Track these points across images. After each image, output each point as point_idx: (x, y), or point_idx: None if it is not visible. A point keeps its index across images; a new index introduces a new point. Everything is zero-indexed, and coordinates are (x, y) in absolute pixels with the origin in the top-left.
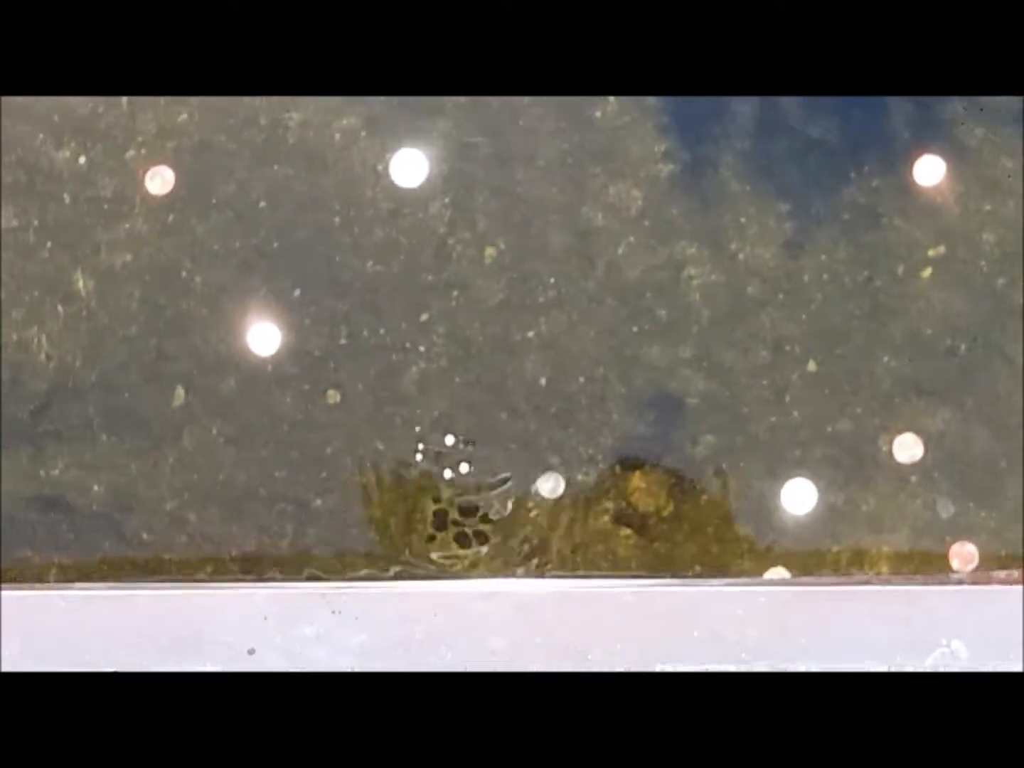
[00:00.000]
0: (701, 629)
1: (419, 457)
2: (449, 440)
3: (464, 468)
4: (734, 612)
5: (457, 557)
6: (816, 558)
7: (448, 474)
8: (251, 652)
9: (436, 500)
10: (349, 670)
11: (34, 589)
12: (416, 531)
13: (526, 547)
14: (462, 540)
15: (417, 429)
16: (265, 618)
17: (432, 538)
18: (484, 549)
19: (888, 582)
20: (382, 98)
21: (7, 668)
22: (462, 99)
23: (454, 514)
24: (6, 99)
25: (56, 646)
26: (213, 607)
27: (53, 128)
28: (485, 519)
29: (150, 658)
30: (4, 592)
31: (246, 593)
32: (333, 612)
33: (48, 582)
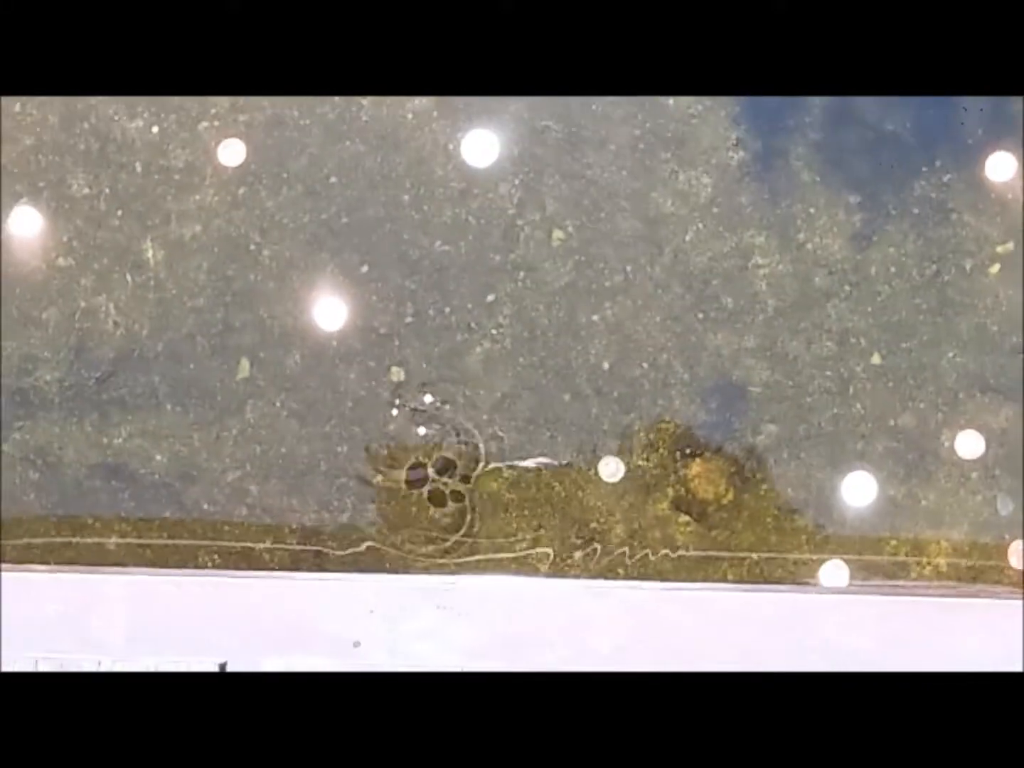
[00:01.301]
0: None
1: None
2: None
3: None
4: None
5: (510, 542)
6: (874, 550)
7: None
8: (356, 645)
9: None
10: (455, 668)
11: (144, 574)
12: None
13: (584, 531)
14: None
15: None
16: (371, 612)
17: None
18: (529, 532)
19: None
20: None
21: (107, 659)
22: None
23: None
24: None
25: (164, 635)
26: (320, 598)
27: (127, 98)
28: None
29: (259, 648)
30: (105, 575)
31: (353, 585)
32: (438, 607)
33: (108, 549)
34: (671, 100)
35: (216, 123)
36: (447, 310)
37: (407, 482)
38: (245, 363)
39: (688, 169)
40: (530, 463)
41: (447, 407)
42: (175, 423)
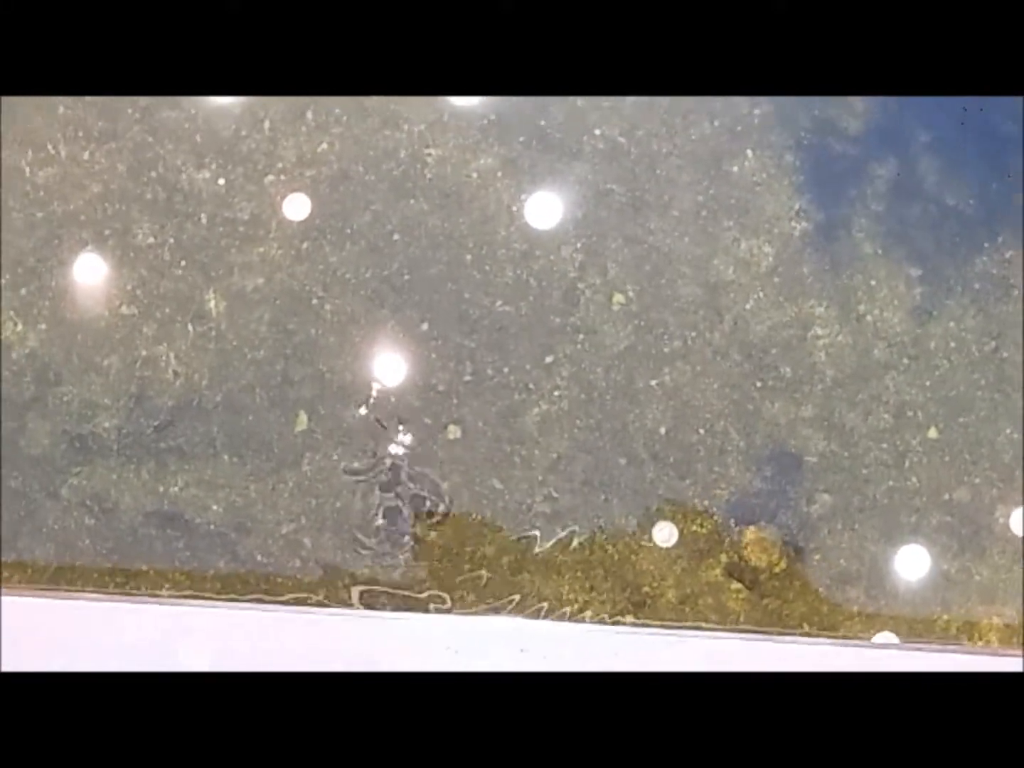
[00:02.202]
0: None
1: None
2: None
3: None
4: None
5: (569, 600)
6: (925, 624)
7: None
8: None
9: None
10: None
11: (224, 604)
12: (525, 568)
13: (636, 595)
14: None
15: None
16: (456, 652)
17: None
18: (581, 594)
19: None
20: (521, 140)
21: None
22: (600, 145)
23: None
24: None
25: (237, 661)
26: (398, 634)
27: (195, 148)
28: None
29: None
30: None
31: (433, 622)
32: (521, 651)
33: (159, 596)
34: (735, 167)
35: (282, 177)
36: (505, 370)
37: None
38: (303, 416)
39: (750, 237)
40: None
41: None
42: (232, 473)
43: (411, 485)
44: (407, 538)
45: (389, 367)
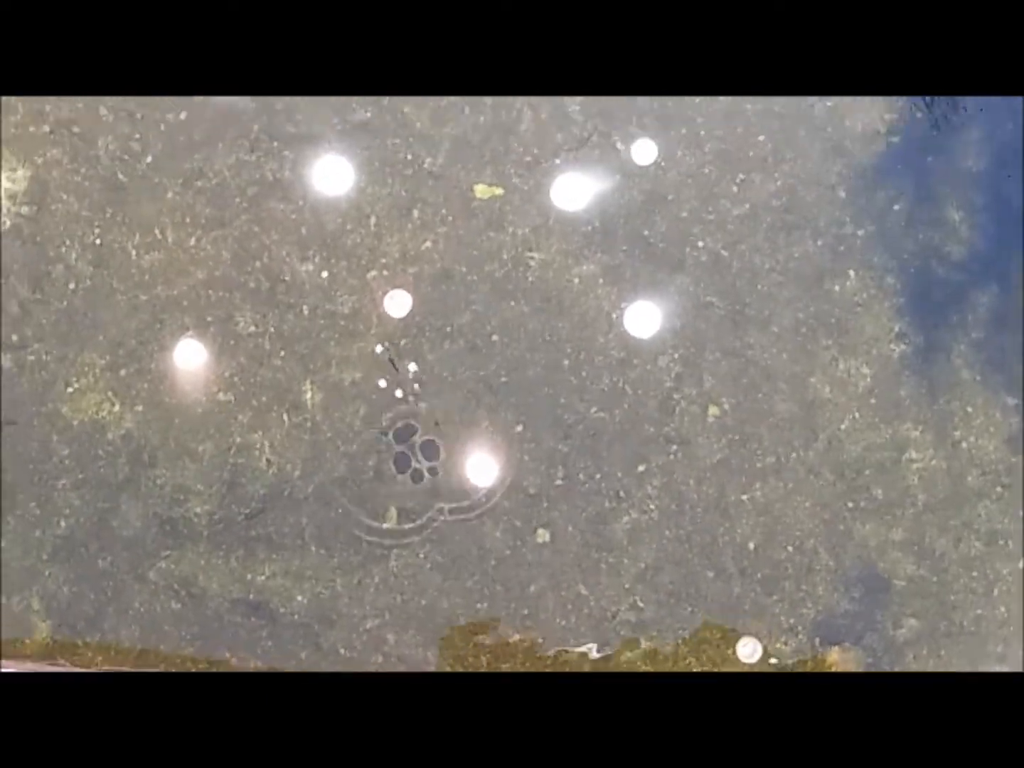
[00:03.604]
0: None
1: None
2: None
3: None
4: None
5: None
6: None
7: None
8: None
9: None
10: None
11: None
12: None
13: None
14: None
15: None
16: None
17: None
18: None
19: None
20: (624, 248)
21: None
22: (703, 257)
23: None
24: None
25: None
26: None
27: (301, 240)
28: None
29: None
30: None
31: None
32: None
33: None
34: (837, 286)
35: (385, 272)
36: (597, 476)
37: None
38: (393, 511)
39: (849, 357)
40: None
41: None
42: (319, 565)
43: (498, 587)
44: None
45: (482, 467)
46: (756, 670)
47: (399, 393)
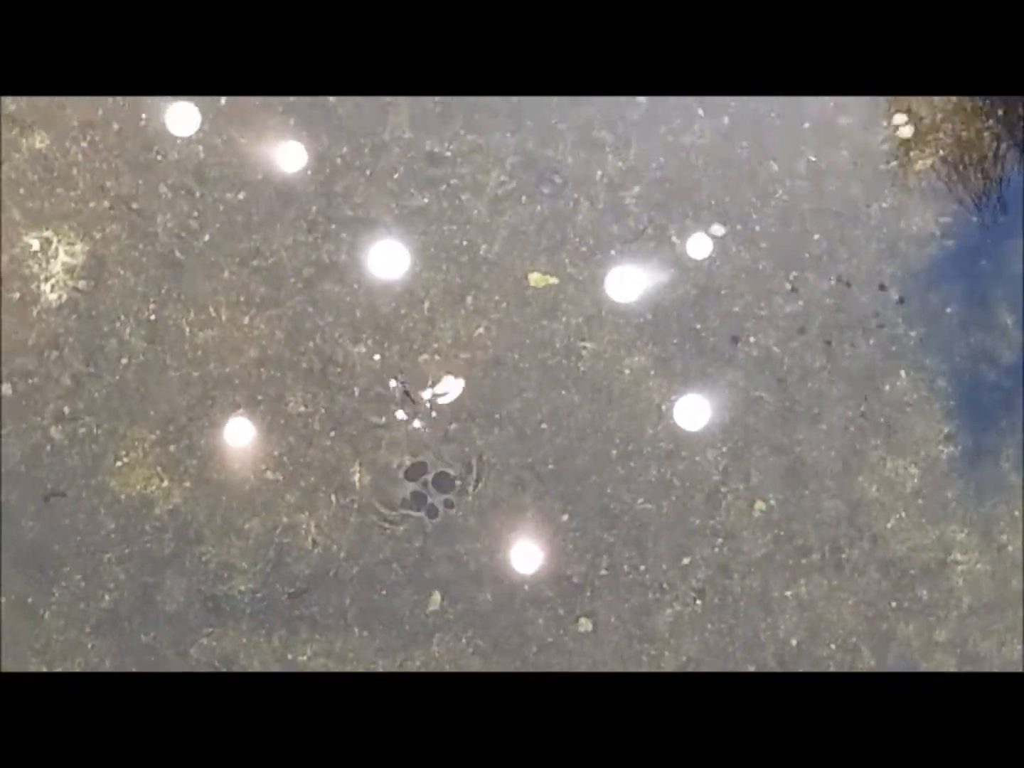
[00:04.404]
0: None
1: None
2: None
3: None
4: None
5: None
6: None
7: None
8: None
9: None
10: None
11: None
12: None
13: None
14: None
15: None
16: None
17: None
18: None
19: None
20: (676, 341)
21: None
22: (754, 352)
23: None
24: None
25: None
26: None
27: (354, 322)
28: None
29: None
30: None
31: None
32: None
33: None
34: (887, 385)
35: (437, 357)
36: (642, 567)
37: None
38: (437, 596)
39: (897, 457)
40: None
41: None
42: (361, 647)
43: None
44: None
45: (526, 554)
46: None
47: (452, 474)
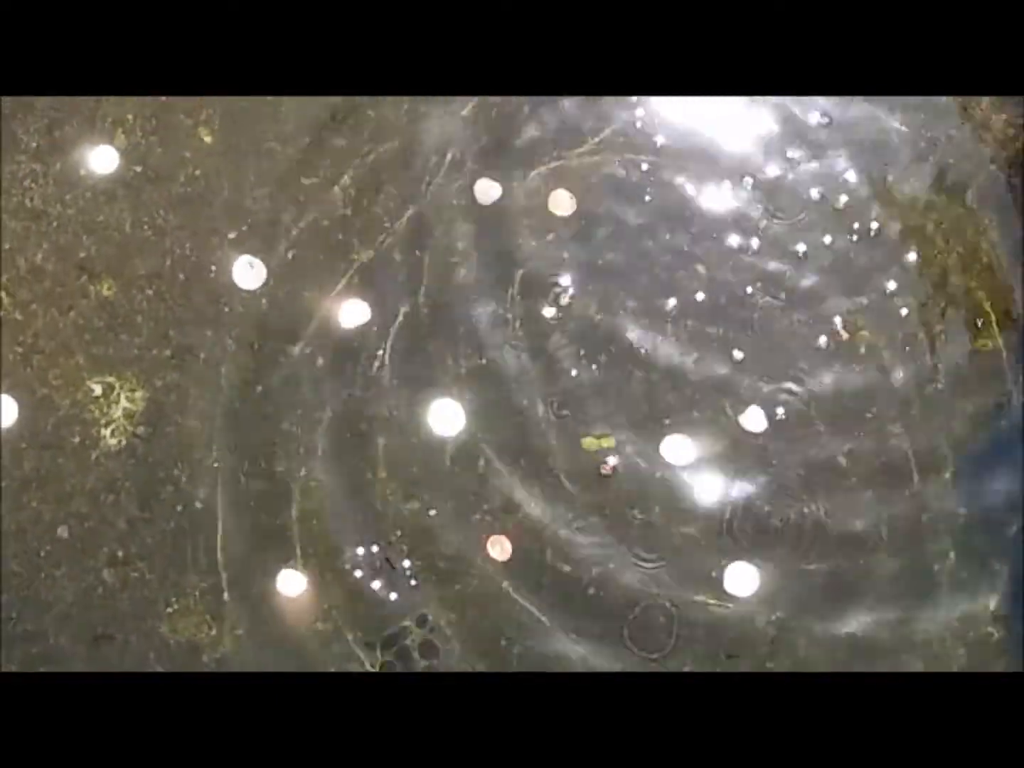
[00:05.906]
0: None
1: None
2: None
3: None
4: None
5: None
6: None
7: None
8: None
9: None
10: None
11: None
12: None
13: None
14: None
15: None
16: None
17: None
18: None
19: None
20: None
21: None
22: (806, 525)
23: None
24: None
25: None
26: None
27: (410, 477)
28: None
29: None
30: None
31: None
32: None
33: None
34: (937, 566)
35: (488, 518)
36: None
37: None
38: None
39: (945, 637)
40: None
41: None
42: None
43: None
44: None
45: None
46: None
47: None
